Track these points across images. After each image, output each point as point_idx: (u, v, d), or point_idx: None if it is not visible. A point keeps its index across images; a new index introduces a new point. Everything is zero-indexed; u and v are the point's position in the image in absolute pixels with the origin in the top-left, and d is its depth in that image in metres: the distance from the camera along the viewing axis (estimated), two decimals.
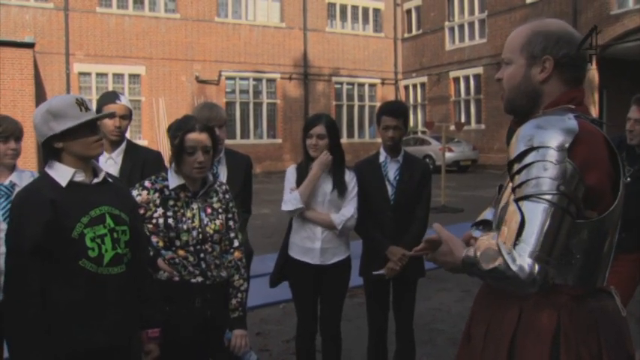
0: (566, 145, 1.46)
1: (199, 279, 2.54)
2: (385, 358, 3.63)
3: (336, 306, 3.48)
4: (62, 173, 2.11)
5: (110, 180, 2.26)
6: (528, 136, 1.51)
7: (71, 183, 2.11)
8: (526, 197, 1.46)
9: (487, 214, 1.93)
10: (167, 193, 2.55)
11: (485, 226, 1.88)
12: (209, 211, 2.60)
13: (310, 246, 3.38)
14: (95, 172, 2.22)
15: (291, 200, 3.34)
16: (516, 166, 1.51)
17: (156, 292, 2.38)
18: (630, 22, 17.23)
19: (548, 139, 1.47)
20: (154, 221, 2.52)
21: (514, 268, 1.40)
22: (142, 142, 18.53)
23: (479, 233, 1.87)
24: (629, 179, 3.30)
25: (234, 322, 2.68)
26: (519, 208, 1.46)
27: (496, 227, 1.72)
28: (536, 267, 1.39)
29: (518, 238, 1.43)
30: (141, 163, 3.27)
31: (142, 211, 2.51)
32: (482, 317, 1.70)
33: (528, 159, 1.48)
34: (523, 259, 1.40)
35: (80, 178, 2.14)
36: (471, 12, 23.43)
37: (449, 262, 1.64)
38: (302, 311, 3.49)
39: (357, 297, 5.25)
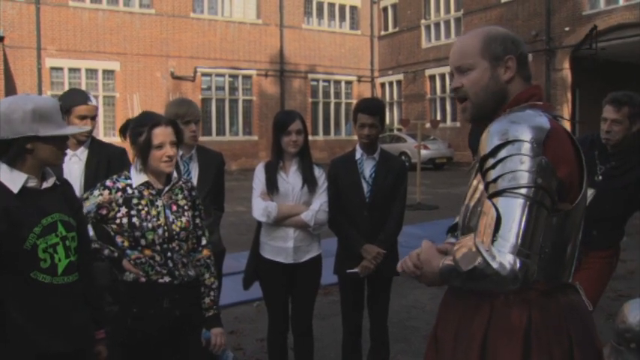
0: (541, 140, 1.47)
1: (167, 279, 2.47)
2: (360, 355, 3.62)
3: (308, 303, 3.47)
4: (15, 178, 1.98)
5: (58, 183, 2.14)
6: (503, 131, 1.50)
7: (23, 189, 1.99)
8: (501, 192, 1.45)
9: None
10: (130, 191, 2.48)
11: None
12: (174, 208, 2.54)
13: (283, 245, 3.35)
14: (44, 175, 2.09)
15: (265, 212, 3.29)
16: (490, 161, 1.50)
17: (99, 295, 2.31)
18: (602, 22, 17.51)
19: (523, 133, 1.48)
20: (118, 221, 2.44)
21: (494, 265, 1.38)
22: (116, 139, 18.25)
23: (454, 240, 1.87)
24: (600, 177, 3.33)
25: (211, 321, 2.64)
26: (494, 205, 1.44)
27: (463, 226, 1.72)
28: (518, 263, 1.38)
29: (496, 234, 1.41)
30: (106, 159, 3.19)
31: (104, 212, 2.44)
32: (450, 318, 1.69)
33: (503, 153, 1.48)
34: (503, 256, 1.38)
35: (33, 183, 2.02)
36: (447, 10, 23.58)
37: (427, 273, 1.63)
38: (274, 310, 3.47)
39: (332, 295, 5.24)
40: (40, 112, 1.98)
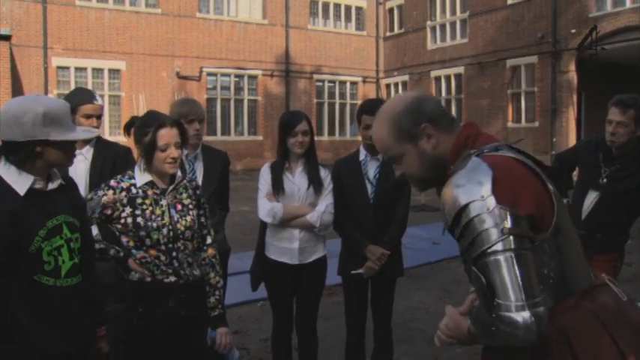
0: (489, 190, 1.44)
1: (172, 278, 2.48)
2: (363, 356, 3.62)
3: (313, 303, 3.48)
4: (21, 180, 1.96)
5: (63, 183, 2.13)
6: (453, 199, 1.49)
7: (29, 191, 1.96)
8: (479, 257, 1.43)
9: None
10: (134, 191, 2.48)
11: None
12: (179, 207, 2.54)
13: (288, 246, 3.36)
14: (49, 175, 2.08)
15: (271, 213, 3.30)
16: (457, 231, 1.49)
17: (101, 294, 2.32)
18: (608, 25, 17.46)
19: (471, 194, 1.46)
20: (122, 221, 2.44)
21: (507, 329, 1.37)
22: (122, 138, 18.27)
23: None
24: (605, 180, 3.33)
25: (216, 320, 2.65)
26: (479, 272, 1.43)
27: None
28: (529, 317, 1.35)
29: (495, 300, 1.39)
30: (111, 158, 3.21)
31: (109, 212, 2.44)
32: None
33: (463, 219, 1.46)
34: (514, 315, 1.36)
35: (39, 185, 2.00)
36: (453, 12, 23.53)
37: (461, 338, 1.63)
38: (278, 310, 3.47)
39: (336, 295, 5.24)
40: (51, 116, 1.95)
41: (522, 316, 1.36)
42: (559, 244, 1.52)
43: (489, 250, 1.41)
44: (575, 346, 1.48)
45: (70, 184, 2.21)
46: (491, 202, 1.43)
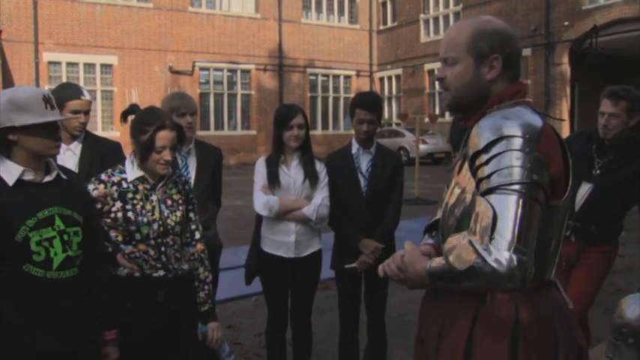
0: (535, 136, 1.46)
1: (161, 273, 2.47)
2: (357, 349, 3.62)
3: (308, 298, 3.47)
4: (10, 170, 1.96)
5: (64, 177, 2.12)
6: (496, 127, 1.48)
7: (19, 182, 1.97)
8: (495, 189, 1.42)
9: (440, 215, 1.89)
10: (125, 185, 2.46)
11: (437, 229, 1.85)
12: (169, 202, 2.53)
13: (284, 239, 3.34)
14: (48, 168, 2.08)
15: (267, 207, 3.28)
16: (483, 157, 1.47)
17: (112, 293, 2.28)
18: (601, 17, 17.48)
19: (517, 129, 1.46)
20: (112, 215, 2.42)
21: (492, 263, 1.35)
22: (115, 134, 18.25)
23: (432, 240, 1.85)
24: (598, 171, 3.32)
25: (207, 315, 2.64)
26: (489, 202, 1.41)
27: (443, 226, 1.71)
28: (514, 259, 1.34)
29: (493, 232, 1.38)
30: (100, 154, 3.17)
31: (99, 206, 2.42)
32: (433, 318, 1.67)
33: (497, 149, 1.45)
34: (500, 253, 1.35)
35: (30, 176, 2.00)
36: (446, 4, 23.53)
37: (411, 276, 1.60)
38: (274, 304, 3.46)
39: (330, 289, 5.24)
40: (17, 103, 1.95)
41: (505, 256, 1.35)
42: (549, 223, 1.53)
43: (510, 187, 1.41)
44: (520, 322, 1.51)
45: (72, 178, 2.19)
46: (533, 146, 1.44)
